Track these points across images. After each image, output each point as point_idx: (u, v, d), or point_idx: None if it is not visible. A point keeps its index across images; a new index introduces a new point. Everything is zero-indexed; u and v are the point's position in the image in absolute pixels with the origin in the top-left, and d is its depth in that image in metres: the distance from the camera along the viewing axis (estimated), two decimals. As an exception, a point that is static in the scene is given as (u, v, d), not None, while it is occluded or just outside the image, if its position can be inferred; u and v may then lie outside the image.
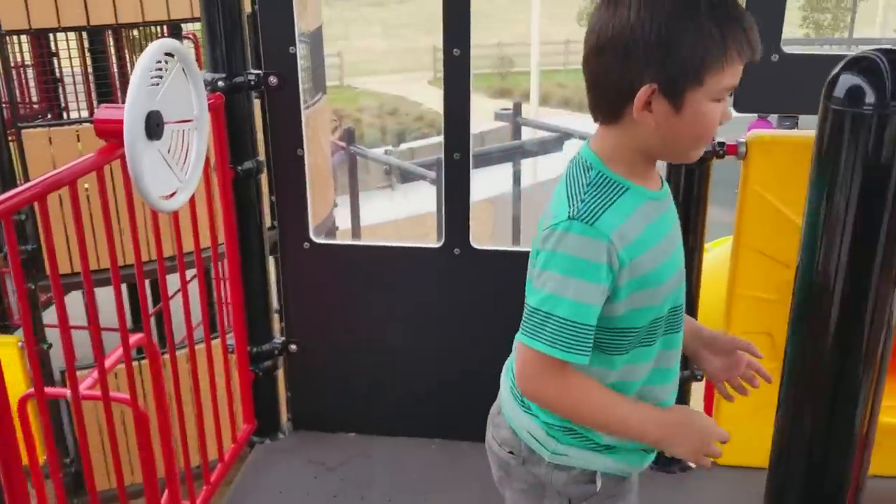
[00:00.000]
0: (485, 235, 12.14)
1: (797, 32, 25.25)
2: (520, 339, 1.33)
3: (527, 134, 11.38)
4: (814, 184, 1.07)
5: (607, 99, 1.28)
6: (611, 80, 1.25)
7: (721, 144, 2.26)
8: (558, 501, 1.42)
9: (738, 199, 2.31)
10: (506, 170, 10.72)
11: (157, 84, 1.75)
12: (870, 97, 1.00)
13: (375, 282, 2.55)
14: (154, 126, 1.72)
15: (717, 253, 3.02)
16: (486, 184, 13.29)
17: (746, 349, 1.51)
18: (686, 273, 2.40)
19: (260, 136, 2.48)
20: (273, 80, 2.37)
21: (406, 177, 11.29)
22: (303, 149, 2.43)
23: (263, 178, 2.49)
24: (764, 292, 2.36)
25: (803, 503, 1.18)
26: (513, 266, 2.52)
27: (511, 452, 1.45)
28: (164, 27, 6.05)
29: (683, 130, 1.25)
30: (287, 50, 2.35)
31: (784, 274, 2.37)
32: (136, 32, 6.69)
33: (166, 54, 1.78)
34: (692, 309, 2.42)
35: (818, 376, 1.16)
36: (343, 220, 9.45)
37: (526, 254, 2.55)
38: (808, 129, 2.18)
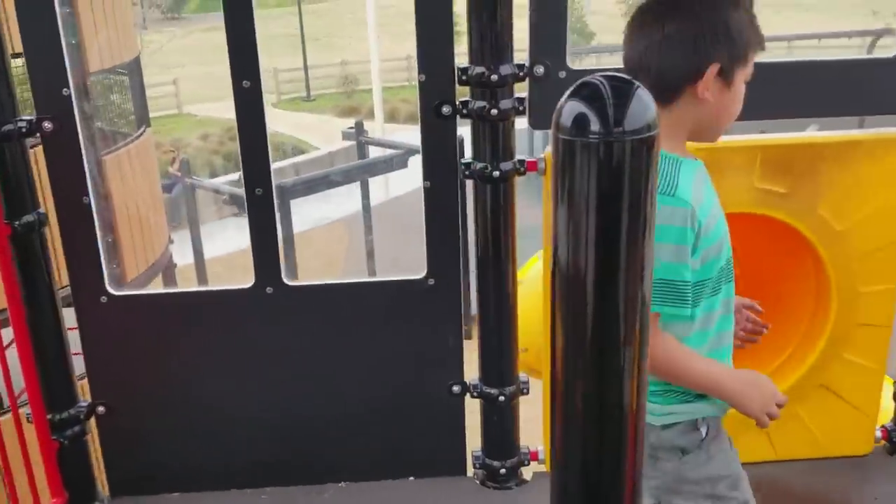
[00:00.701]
0: (340, 258, 11.99)
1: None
2: None
3: (376, 152, 11.36)
4: (554, 212, 1.04)
5: (670, 82, 1.49)
6: (677, 63, 1.48)
7: (521, 162, 2.28)
8: (673, 456, 1.58)
9: (543, 214, 2.34)
10: (355, 189, 10.64)
11: None
12: (594, 125, 0.98)
13: (186, 330, 2.41)
14: None
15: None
16: (338, 205, 13.20)
17: (751, 307, 1.79)
18: (498, 285, 2.41)
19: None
20: (48, 125, 2.18)
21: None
22: (89, 196, 2.25)
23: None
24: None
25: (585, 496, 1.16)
26: (329, 300, 2.47)
27: None
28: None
29: (730, 106, 1.52)
30: (60, 92, 2.17)
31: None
32: None
33: None
34: (513, 317, 2.44)
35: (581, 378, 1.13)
36: (187, 255, 9.08)
37: (344, 286, 2.52)
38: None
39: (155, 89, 21.00)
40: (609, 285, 1.05)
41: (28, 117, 2.19)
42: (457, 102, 2.25)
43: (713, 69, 1.47)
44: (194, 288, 2.49)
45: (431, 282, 2.40)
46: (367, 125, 11.84)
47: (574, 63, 2.29)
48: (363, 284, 2.46)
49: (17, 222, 2.19)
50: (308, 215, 12.07)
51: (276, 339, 2.42)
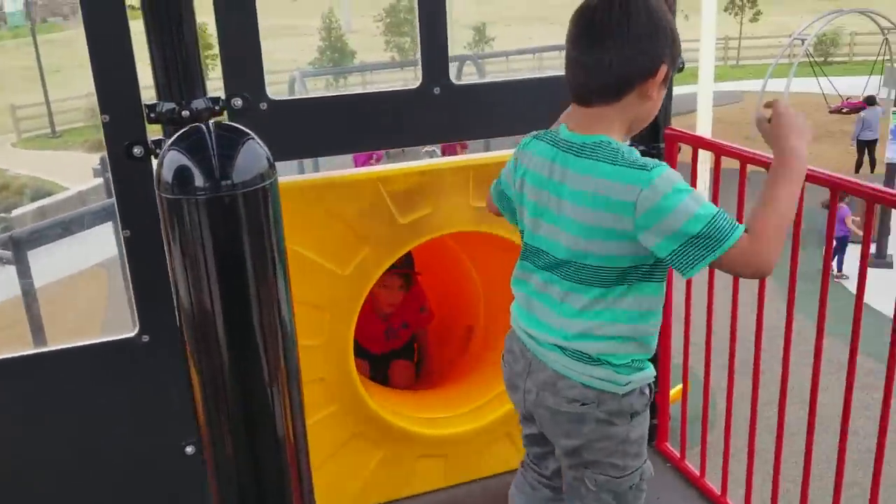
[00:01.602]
0: (101, 308, 11.08)
1: (385, 56, 27.16)
2: (718, 254, 1.51)
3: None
4: (172, 270, 0.91)
5: (627, 79, 1.60)
6: (637, 62, 1.59)
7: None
8: (625, 420, 1.73)
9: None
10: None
11: None
12: (199, 180, 0.86)
13: None
14: None
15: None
16: (92, 248, 12.20)
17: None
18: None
19: None
20: None
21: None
22: None
23: None
24: (309, 339, 2.31)
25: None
26: (29, 374, 2.19)
27: (584, 404, 1.71)
28: None
29: (658, 103, 1.68)
30: None
31: (320, 317, 2.34)
32: None
33: None
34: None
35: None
36: None
37: (43, 357, 2.23)
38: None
39: None
40: (244, 337, 0.95)
41: None
42: (149, 142, 2.07)
43: (664, 69, 1.61)
44: None
45: (146, 338, 2.20)
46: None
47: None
48: (64, 352, 2.20)
49: None
50: (62, 262, 11.05)
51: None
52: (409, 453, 2.55)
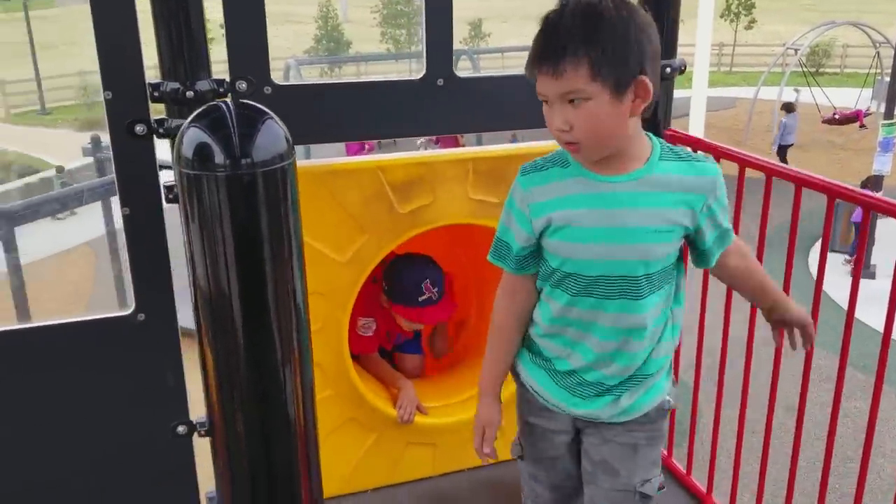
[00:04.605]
0: (87, 287, 11.03)
1: (380, 47, 27.09)
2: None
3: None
4: (188, 246, 0.92)
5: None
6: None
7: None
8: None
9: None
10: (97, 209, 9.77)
11: None
12: (219, 157, 0.87)
13: None
14: None
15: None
16: (81, 226, 12.11)
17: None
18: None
19: None
20: None
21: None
22: None
23: None
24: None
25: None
26: (19, 347, 2.18)
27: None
28: None
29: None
30: None
31: (317, 303, 2.35)
32: None
33: None
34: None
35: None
36: None
37: (39, 330, 2.22)
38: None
39: None
40: (259, 316, 0.96)
41: None
42: (152, 121, 2.06)
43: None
44: None
45: (142, 317, 2.19)
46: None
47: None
48: (60, 327, 2.19)
49: None
50: (48, 240, 10.97)
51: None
52: (398, 440, 2.56)
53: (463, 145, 7.91)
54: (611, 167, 1.62)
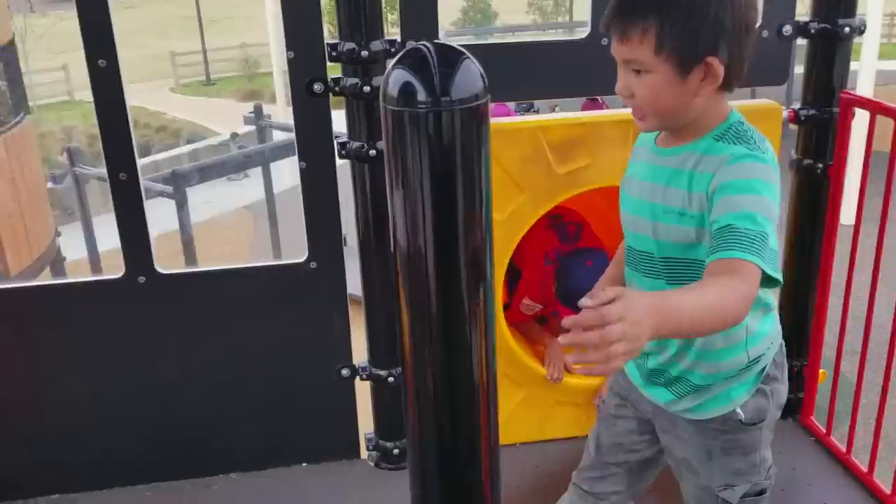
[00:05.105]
0: (244, 247, 11.70)
1: (526, 19, 26.86)
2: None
3: (279, 136, 11.06)
4: (389, 184, 1.01)
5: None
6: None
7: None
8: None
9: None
10: (258, 175, 10.34)
11: None
12: (421, 94, 0.95)
13: (52, 326, 2.28)
14: None
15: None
16: (241, 191, 12.86)
17: None
18: (382, 265, 2.38)
19: None
20: None
21: (148, 193, 10.44)
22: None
23: None
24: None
25: (441, 461, 1.15)
26: (206, 288, 2.39)
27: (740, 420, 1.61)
28: None
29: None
30: None
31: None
32: None
33: None
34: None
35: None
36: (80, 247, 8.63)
37: (221, 273, 2.42)
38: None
39: (43, 75, 19.95)
40: (448, 258, 1.03)
41: None
42: (329, 80, 2.19)
43: None
44: (61, 280, 2.35)
45: (314, 265, 2.35)
46: (270, 109, 11.56)
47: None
48: (242, 270, 2.38)
49: None
50: (212, 203, 11.72)
51: (151, 330, 2.33)
52: (547, 398, 2.61)
53: (608, 107, 7.63)
54: (668, 140, 1.54)
